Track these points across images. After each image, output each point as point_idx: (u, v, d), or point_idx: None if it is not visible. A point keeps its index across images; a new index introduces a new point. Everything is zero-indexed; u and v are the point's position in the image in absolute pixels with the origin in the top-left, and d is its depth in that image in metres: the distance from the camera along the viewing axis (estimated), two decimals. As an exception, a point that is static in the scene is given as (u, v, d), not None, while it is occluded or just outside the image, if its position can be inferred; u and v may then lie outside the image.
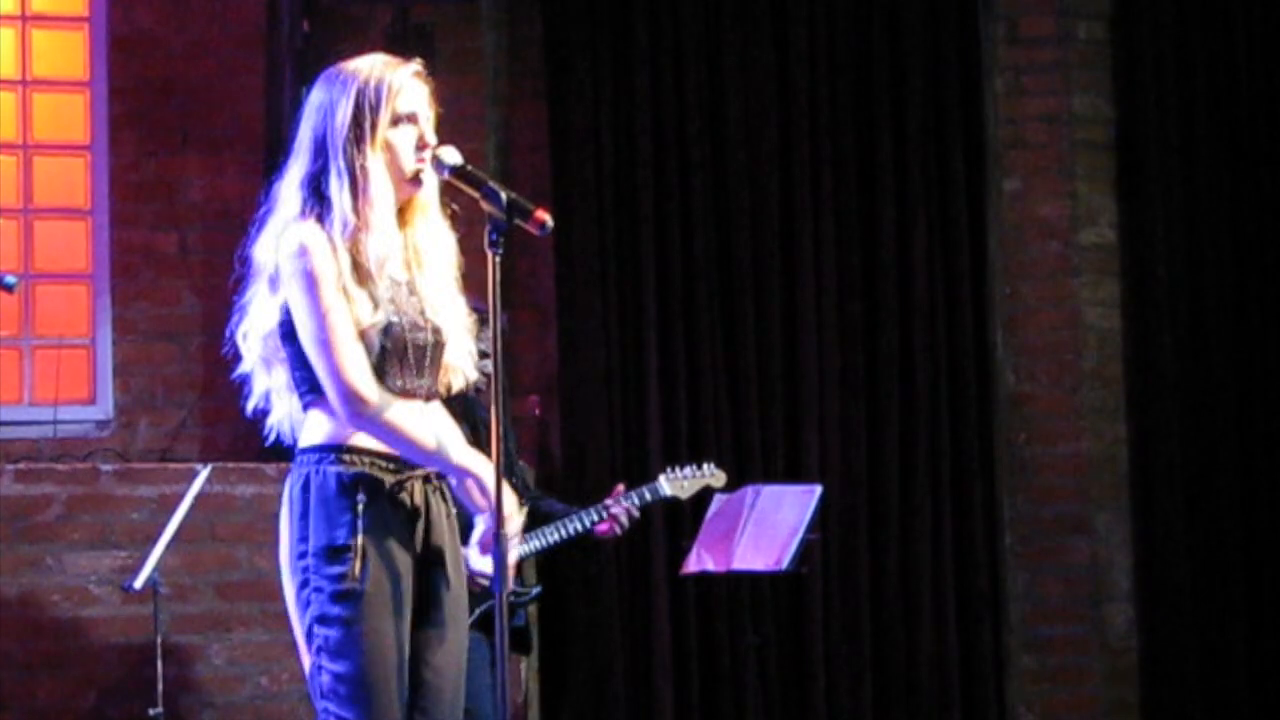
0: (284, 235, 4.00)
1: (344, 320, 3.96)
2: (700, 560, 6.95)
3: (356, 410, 3.97)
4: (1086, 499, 8.26)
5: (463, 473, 4.07)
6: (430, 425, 4.07)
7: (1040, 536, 8.24)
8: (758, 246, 8.12)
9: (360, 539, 3.96)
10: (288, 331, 4.01)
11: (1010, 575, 8.21)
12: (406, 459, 4.04)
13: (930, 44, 8.27)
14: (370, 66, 4.07)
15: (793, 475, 7.81)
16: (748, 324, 8.08)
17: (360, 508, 3.98)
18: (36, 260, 7.91)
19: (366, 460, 4.02)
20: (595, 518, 6.48)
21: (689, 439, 7.96)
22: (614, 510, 6.49)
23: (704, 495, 6.87)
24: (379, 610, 3.97)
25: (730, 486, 7.11)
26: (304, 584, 3.99)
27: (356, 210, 3.99)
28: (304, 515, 4.00)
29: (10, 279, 4.42)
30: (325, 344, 3.94)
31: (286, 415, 4.15)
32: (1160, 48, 8.34)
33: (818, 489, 6.96)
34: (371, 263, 4.00)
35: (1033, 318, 8.33)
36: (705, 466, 6.77)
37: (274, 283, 4.01)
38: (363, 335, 3.98)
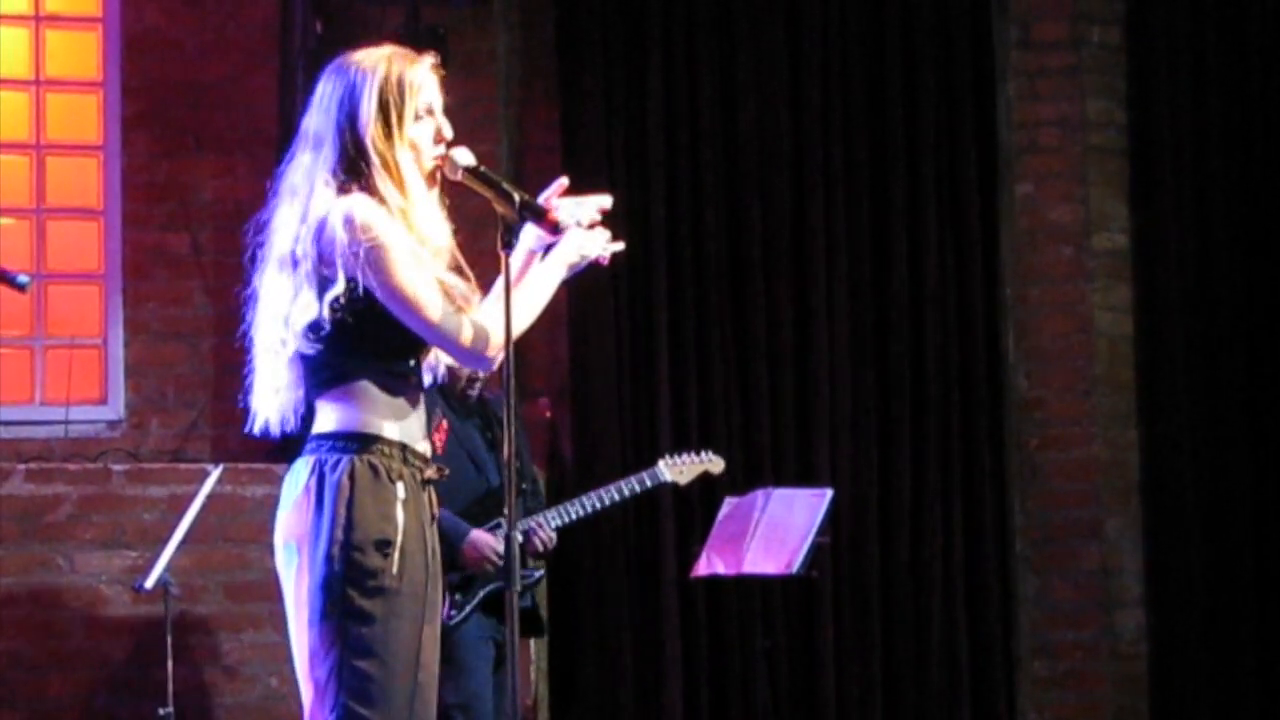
0: (340, 207, 3.91)
1: (433, 283, 3.94)
2: (711, 563, 6.95)
3: (489, 359, 4.01)
4: (1097, 504, 8.25)
5: (559, 274, 4.12)
6: (500, 301, 3.98)
7: (1051, 541, 8.23)
8: (769, 249, 8.12)
9: (401, 535, 3.93)
10: (337, 310, 3.91)
11: (1021, 580, 8.21)
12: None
13: (943, 48, 8.26)
14: (390, 61, 4.04)
15: (804, 479, 7.81)
16: (759, 326, 8.09)
17: (400, 503, 3.95)
18: (48, 260, 7.92)
19: (399, 453, 3.99)
20: (635, 487, 6.52)
21: (700, 443, 7.93)
22: (537, 536, 6.48)
23: (709, 488, 6.88)
24: (407, 609, 3.93)
25: (741, 490, 7.11)
26: (334, 576, 3.89)
27: (403, 203, 3.99)
28: (334, 505, 3.90)
29: (22, 279, 4.41)
30: (426, 312, 3.92)
31: (282, 407, 4.05)
32: (1173, 53, 8.33)
33: (829, 492, 6.96)
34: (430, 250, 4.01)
35: (1044, 322, 8.33)
36: (704, 453, 6.77)
37: (320, 271, 3.92)
38: None
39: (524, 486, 6.42)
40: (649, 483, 6.62)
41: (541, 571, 6.71)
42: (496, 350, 4.00)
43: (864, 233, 8.19)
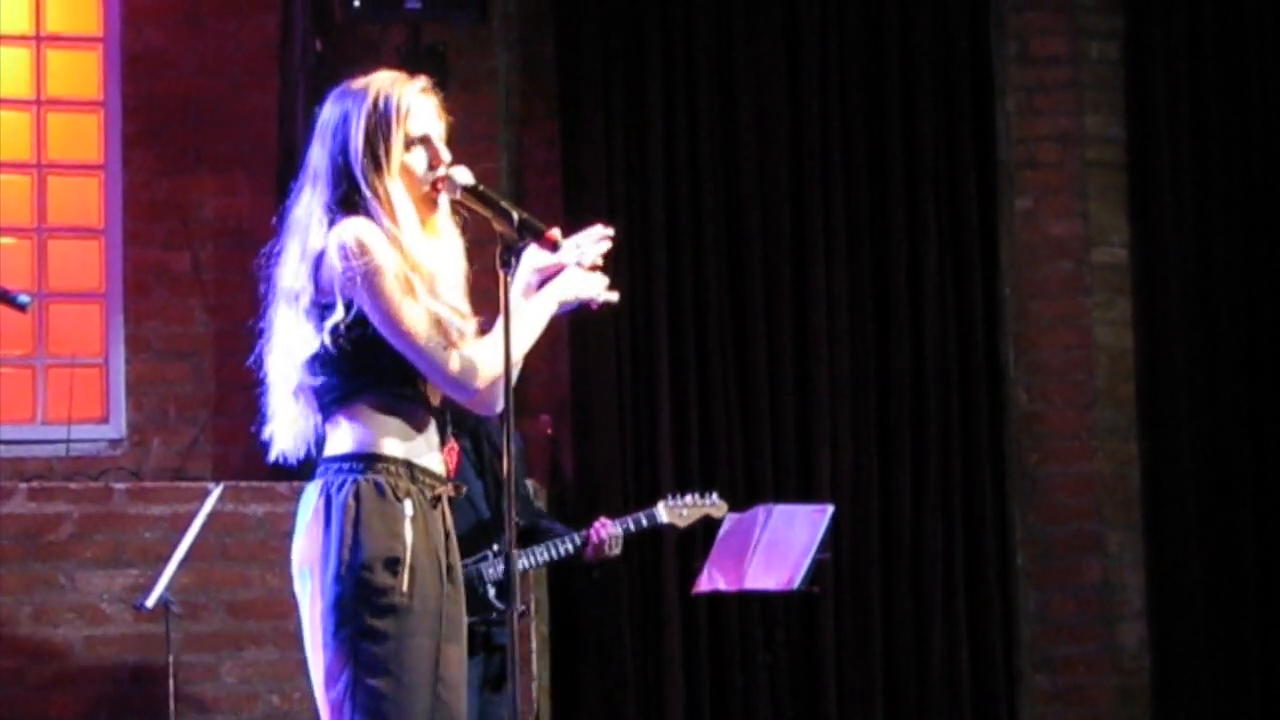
0: (336, 234, 3.93)
1: (423, 311, 3.94)
2: (712, 580, 6.94)
3: (479, 393, 3.98)
4: (1099, 518, 8.26)
5: (549, 308, 4.08)
6: (495, 336, 3.99)
7: (1052, 556, 8.23)
8: (770, 265, 8.13)
9: (409, 553, 3.94)
10: (339, 337, 3.93)
11: (1022, 594, 8.21)
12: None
13: (942, 64, 8.27)
14: (377, 89, 4.04)
15: (805, 495, 7.81)
16: (760, 342, 8.09)
17: (408, 521, 3.95)
18: (50, 279, 7.94)
19: (405, 471, 3.99)
20: (578, 542, 6.37)
21: (701, 458, 7.96)
22: (600, 535, 6.36)
23: (707, 524, 6.82)
24: (420, 626, 3.94)
25: (742, 506, 7.10)
26: (344, 595, 3.90)
27: (396, 232, 3.99)
28: (341, 525, 3.91)
29: (23, 298, 4.41)
30: (414, 338, 3.92)
31: (297, 436, 4.09)
32: (1172, 67, 8.34)
33: (829, 508, 6.95)
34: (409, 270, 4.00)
35: (1045, 337, 8.33)
36: (708, 496, 6.70)
37: (319, 302, 3.94)
38: None
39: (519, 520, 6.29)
40: (645, 524, 6.51)
41: (522, 607, 6.62)
42: (484, 384, 3.98)
43: (864, 245, 8.19)
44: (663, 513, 6.56)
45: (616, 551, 6.42)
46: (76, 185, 8.02)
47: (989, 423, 8.20)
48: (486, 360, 3.98)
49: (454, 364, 3.96)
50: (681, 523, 6.63)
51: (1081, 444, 8.29)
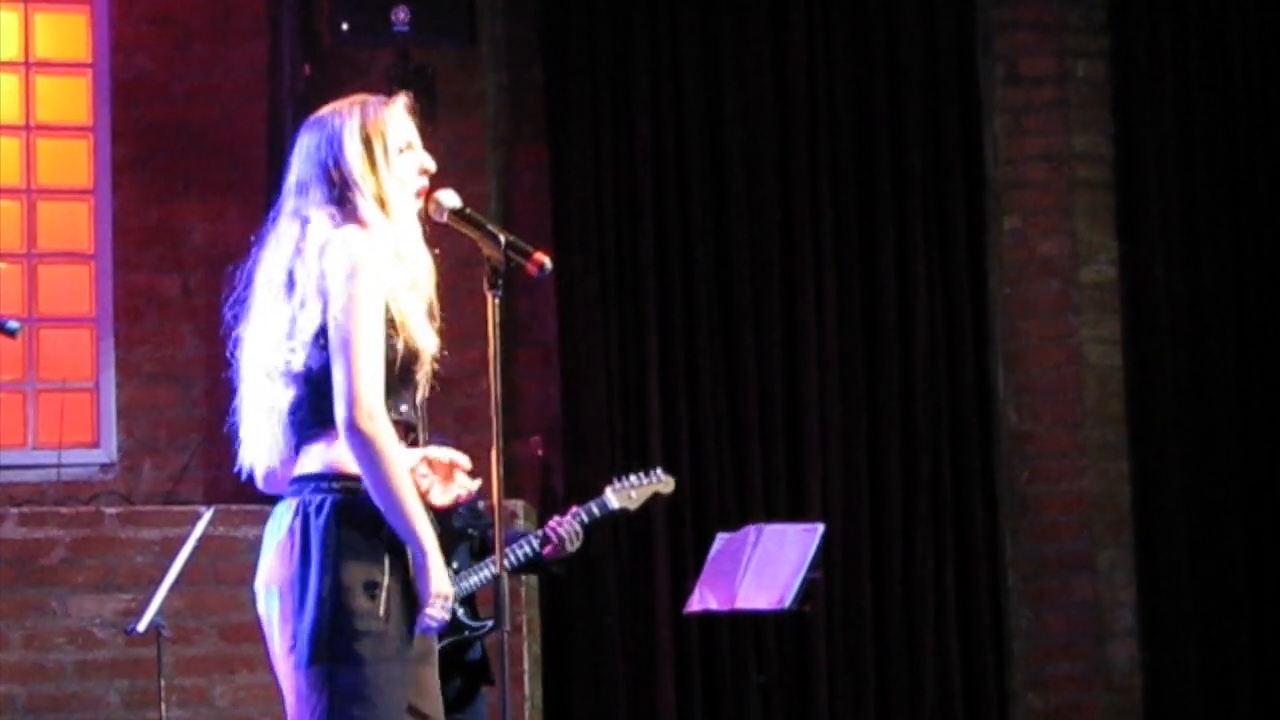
0: (340, 236, 3.94)
1: (380, 333, 3.92)
2: (703, 599, 6.95)
3: (360, 423, 3.85)
4: (1089, 537, 8.26)
5: (419, 547, 3.91)
6: (410, 483, 3.94)
7: (1043, 574, 8.24)
8: (758, 286, 8.15)
9: (388, 576, 3.91)
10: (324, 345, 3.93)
11: (1013, 613, 8.21)
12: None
13: (930, 85, 8.30)
14: (365, 103, 4.10)
15: (795, 514, 7.81)
16: (749, 363, 8.11)
17: (388, 543, 3.92)
18: (40, 304, 7.95)
19: None
20: (539, 542, 6.21)
21: (691, 479, 7.97)
22: (559, 531, 6.18)
23: (702, 523, 6.77)
24: (397, 651, 3.92)
25: (733, 526, 7.10)
26: (321, 620, 3.87)
27: (387, 227, 4.01)
28: (320, 548, 3.89)
29: (13, 324, 4.43)
30: (360, 348, 3.88)
31: (270, 445, 4.03)
32: (1159, 86, 8.37)
33: (820, 528, 6.96)
34: (408, 284, 4.01)
35: (1034, 356, 8.35)
36: (652, 473, 6.47)
37: (321, 292, 3.93)
38: (415, 356, 3.98)
39: (472, 532, 6.26)
40: (597, 512, 6.32)
41: (490, 622, 6.46)
42: (365, 431, 3.85)
43: (853, 267, 8.22)
44: (612, 498, 6.38)
45: (576, 546, 6.24)
46: (66, 211, 8.03)
47: (979, 442, 8.22)
48: (388, 435, 3.89)
49: (365, 390, 3.87)
50: (633, 505, 6.37)
51: (1071, 462, 8.30)
